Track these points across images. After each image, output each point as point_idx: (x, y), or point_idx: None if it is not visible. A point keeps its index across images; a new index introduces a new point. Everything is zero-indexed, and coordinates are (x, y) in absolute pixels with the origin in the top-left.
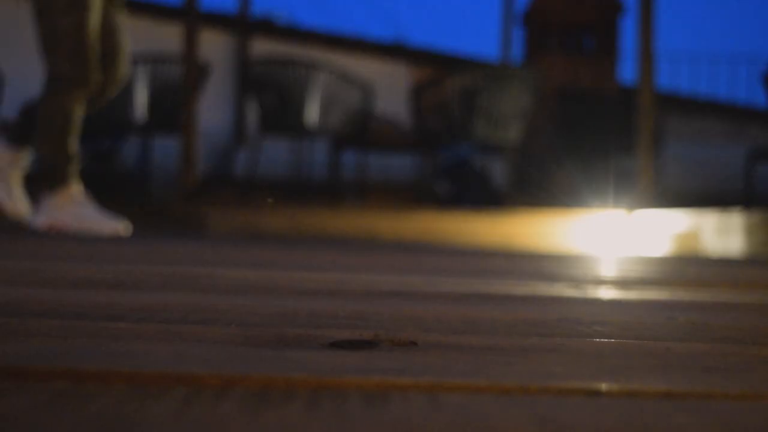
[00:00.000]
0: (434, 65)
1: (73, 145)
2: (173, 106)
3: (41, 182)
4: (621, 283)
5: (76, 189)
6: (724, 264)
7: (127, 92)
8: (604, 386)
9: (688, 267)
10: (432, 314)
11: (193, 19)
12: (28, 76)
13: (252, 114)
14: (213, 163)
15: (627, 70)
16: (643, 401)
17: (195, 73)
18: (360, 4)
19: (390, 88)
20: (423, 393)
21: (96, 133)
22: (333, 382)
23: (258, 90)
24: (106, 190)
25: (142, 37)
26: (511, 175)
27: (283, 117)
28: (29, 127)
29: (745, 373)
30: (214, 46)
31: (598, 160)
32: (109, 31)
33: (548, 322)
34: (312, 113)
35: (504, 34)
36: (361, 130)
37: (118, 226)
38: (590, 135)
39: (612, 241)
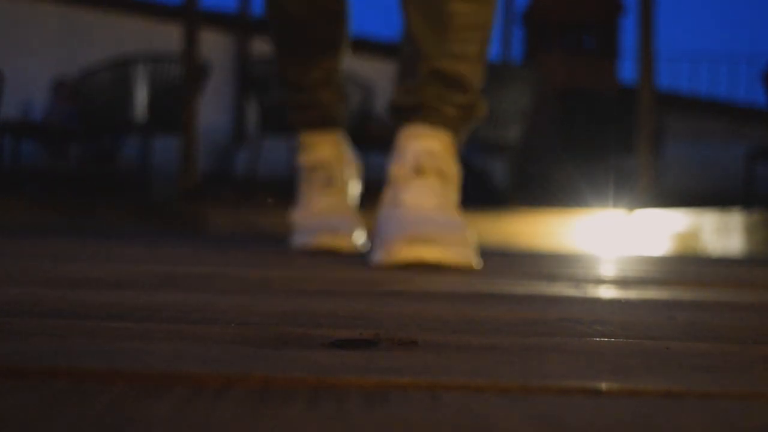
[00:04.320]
0: None
1: None
2: (173, 106)
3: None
4: (621, 282)
5: None
6: (724, 264)
7: (127, 92)
8: (604, 386)
9: (688, 267)
10: (432, 314)
11: (193, 19)
12: (28, 76)
13: (252, 114)
14: (213, 162)
15: (627, 70)
16: (643, 401)
17: (195, 73)
18: (360, 4)
19: (390, 88)
20: (423, 392)
21: (96, 133)
22: (333, 382)
23: (258, 90)
24: (106, 190)
25: (142, 37)
26: (511, 174)
27: (283, 117)
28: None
29: (745, 373)
30: (214, 46)
31: (598, 160)
32: None
33: (548, 322)
34: None
35: (504, 34)
36: (361, 130)
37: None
38: (590, 135)
39: (612, 241)
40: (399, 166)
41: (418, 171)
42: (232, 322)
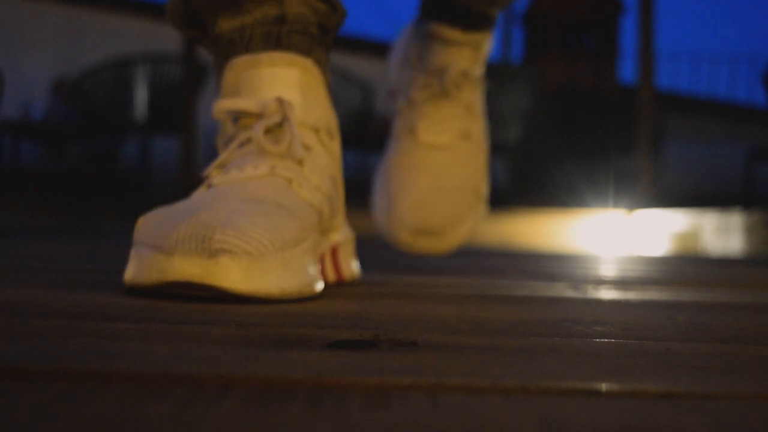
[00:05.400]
0: None
1: None
2: (173, 106)
3: None
4: (621, 283)
5: None
6: (724, 264)
7: (127, 92)
8: (604, 386)
9: (688, 267)
10: (432, 314)
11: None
12: (28, 76)
13: None
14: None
15: (627, 70)
16: (643, 401)
17: (195, 73)
18: (360, 4)
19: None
20: (423, 393)
21: (96, 133)
22: (333, 382)
23: None
24: (106, 190)
25: (142, 37)
26: (511, 174)
27: None
28: None
29: (745, 373)
30: None
31: (598, 160)
32: None
33: (548, 322)
34: None
35: (504, 34)
36: (361, 130)
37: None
38: (590, 135)
39: (612, 241)
40: (425, 82)
41: (446, 93)
42: (232, 322)
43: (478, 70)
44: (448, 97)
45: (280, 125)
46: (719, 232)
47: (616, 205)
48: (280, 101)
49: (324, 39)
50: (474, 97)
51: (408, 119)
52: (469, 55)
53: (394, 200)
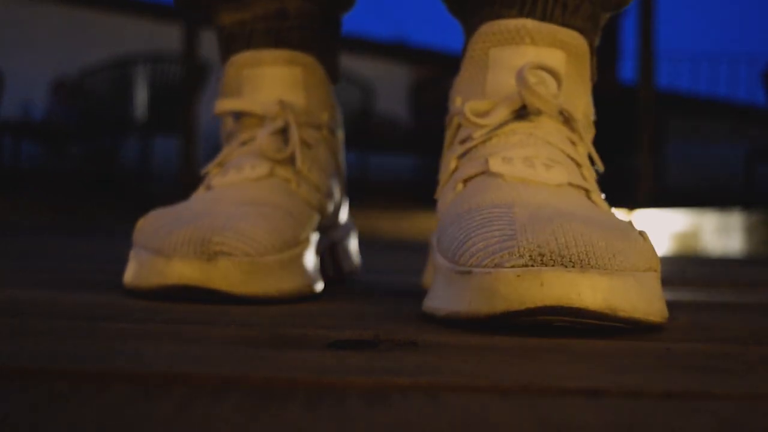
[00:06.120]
0: (435, 65)
1: None
2: (173, 106)
3: None
4: None
5: None
6: (724, 264)
7: (127, 92)
8: (604, 386)
9: (688, 267)
10: (432, 314)
11: (193, 19)
12: (28, 76)
13: None
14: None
15: (627, 70)
16: (643, 401)
17: (195, 73)
18: (360, 4)
19: (390, 88)
20: (423, 393)
21: (96, 133)
22: (333, 382)
23: None
24: (106, 190)
25: (142, 37)
26: None
27: None
28: None
29: (745, 373)
30: (214, 46)
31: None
32: None
33: (548, 322)
34: None
35: None
36: (361, 130)
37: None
38: None
39: None
40: (479, 103)
41: (522, 111)
42: (232, 322)
43: (578, 102)
44: (528, 121)
45: (282, 129)
46: (719, 232)
47: (616, 205)
48: (283, 105)
49: (328, 29)
50: (577, 142)
51: (473, 157)
52: (559, 59)
53: (487, 225)
